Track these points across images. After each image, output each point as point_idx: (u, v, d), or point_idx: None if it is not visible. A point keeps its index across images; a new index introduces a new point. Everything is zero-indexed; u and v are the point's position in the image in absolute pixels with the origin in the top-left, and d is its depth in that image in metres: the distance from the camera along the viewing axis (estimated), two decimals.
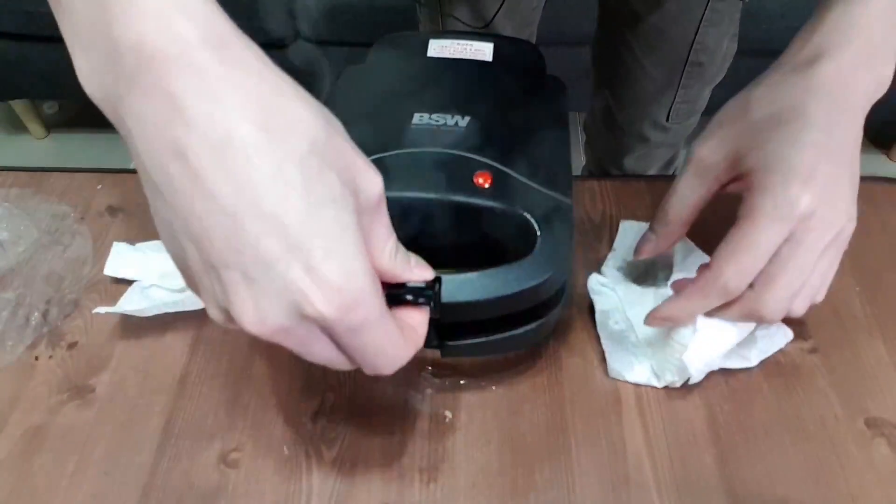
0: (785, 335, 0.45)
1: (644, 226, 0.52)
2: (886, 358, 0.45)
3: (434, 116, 0.43)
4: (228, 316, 0.27)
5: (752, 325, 0.42)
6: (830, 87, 0.38)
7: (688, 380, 0.43)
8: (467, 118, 0.42)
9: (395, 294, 0.31)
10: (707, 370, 0.43)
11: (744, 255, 0.37)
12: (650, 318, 0.42)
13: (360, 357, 0.29)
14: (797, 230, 0.36)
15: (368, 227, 0.28)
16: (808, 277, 0.38)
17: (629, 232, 0.52)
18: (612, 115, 0.87)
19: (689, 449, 0.41)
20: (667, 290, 0.44)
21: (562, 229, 0.39)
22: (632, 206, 0.56)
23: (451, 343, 0.41)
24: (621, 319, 0.46)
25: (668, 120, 0.83)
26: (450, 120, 0.42)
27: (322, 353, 0.29)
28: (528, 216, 0.39)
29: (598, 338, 0.46)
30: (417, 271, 0.32)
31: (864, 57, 0.39)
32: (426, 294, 0.32)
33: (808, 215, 0.36)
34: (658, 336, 0.44)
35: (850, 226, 0.38)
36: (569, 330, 0.47)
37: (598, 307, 0.46)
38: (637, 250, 0.45)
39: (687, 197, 0.42)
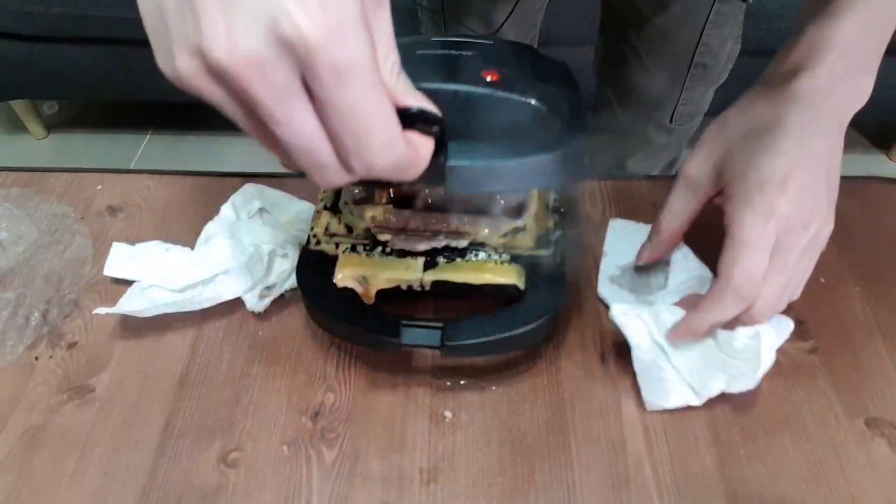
0: (787, 326, 0.44)
1: (633, 224, 0.52)
2: (886, 358, 0.45)
3: (438, 51, 0.43)
4: (201, 59, 0.23)
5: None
6: (806, 99, 0.40)
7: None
8: (470, 51, 0.43)
9: (399, 111, 0.27)
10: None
11: (745, 256, 0.39)
12: (674, 335, 0.43)
13: (345, 128, 0.25)
14: (778, 232, 0.38)
15: (368, 22, 0.25)
16: (790, 276, 0.40)
17: (619, 231, 0.52)
18: (615, 116, 0.87)
19: (689, 449, 0.41)
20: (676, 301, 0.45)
21: (574, 117, 0.39)
22: (632, 206, 0.56)
23: (450, 343, 0.41)
24: (649, 348, 0.44)
25: (671, 122, 0.83)
26: (453, 52, 0.43)
27: (301, 122, 0.25)
28: (538, 104, 0.39)
29: (598, 338, 0.47)
30: (424, 102, 0.28)
31: (840, 72, 0.40)
32: (434, 118, 0.28)
33: (785, 217, 0.38)
34: (703, 353, 0.43)
35: (827, 228, 0.41)
36: (569, 330, 0.47)
37: (632, 342, 0.44)
38: (637, 257, 0.48)
39: (677, 211, 0.45)
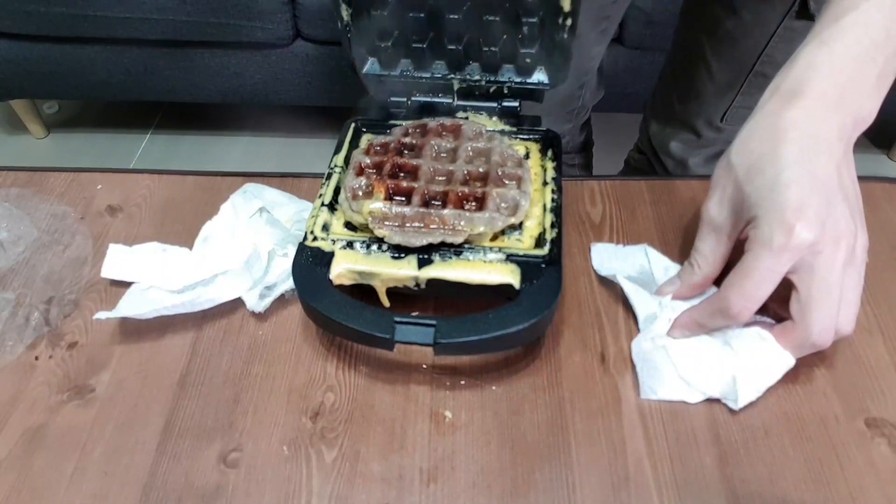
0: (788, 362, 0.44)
1: (612, 246, 0.52)
2: (886, 358, 0.45)
3: None
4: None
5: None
6: (799, 128, 0.40)
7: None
8: None
9: None
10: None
11: (744, 282, 0.40)
12: (673, 331, 0.45)
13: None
14: (806, 258, 0.39)
15: None
16: (841, 295, 0.40)
17: (603, 253, 0.51)
18: (671, 103, 0.90)
19: (689, 449, 0.41)
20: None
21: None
22: (631, 206, 0.56)
23: (443, 341, 0.41)
24: (651, 326, 0.46)
25: (722, 121, 0.84)
26: None
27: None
28: None
29: (598, 338, 0.47)
30: None
31: (832, 97, 0.40)
32: None
33: (808, 243, 0.38)
34: (703, 353, 0.44)
35: (862, 241, 0.40)
36: (569, 330, 0.47)
37: (638, 311, 0.47)
38: (659, 290, 0.47)
39: (707, 255, 0.45)
